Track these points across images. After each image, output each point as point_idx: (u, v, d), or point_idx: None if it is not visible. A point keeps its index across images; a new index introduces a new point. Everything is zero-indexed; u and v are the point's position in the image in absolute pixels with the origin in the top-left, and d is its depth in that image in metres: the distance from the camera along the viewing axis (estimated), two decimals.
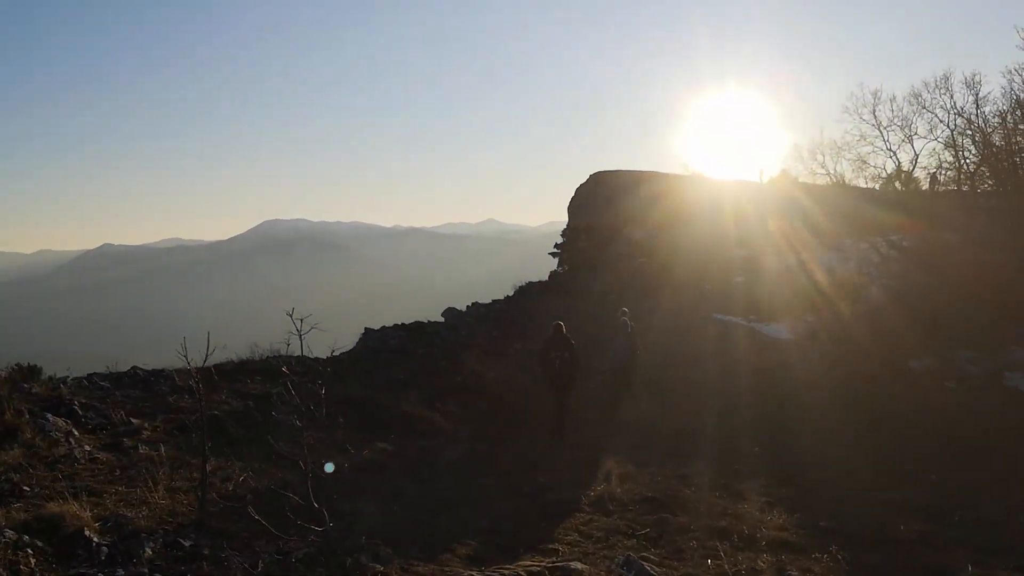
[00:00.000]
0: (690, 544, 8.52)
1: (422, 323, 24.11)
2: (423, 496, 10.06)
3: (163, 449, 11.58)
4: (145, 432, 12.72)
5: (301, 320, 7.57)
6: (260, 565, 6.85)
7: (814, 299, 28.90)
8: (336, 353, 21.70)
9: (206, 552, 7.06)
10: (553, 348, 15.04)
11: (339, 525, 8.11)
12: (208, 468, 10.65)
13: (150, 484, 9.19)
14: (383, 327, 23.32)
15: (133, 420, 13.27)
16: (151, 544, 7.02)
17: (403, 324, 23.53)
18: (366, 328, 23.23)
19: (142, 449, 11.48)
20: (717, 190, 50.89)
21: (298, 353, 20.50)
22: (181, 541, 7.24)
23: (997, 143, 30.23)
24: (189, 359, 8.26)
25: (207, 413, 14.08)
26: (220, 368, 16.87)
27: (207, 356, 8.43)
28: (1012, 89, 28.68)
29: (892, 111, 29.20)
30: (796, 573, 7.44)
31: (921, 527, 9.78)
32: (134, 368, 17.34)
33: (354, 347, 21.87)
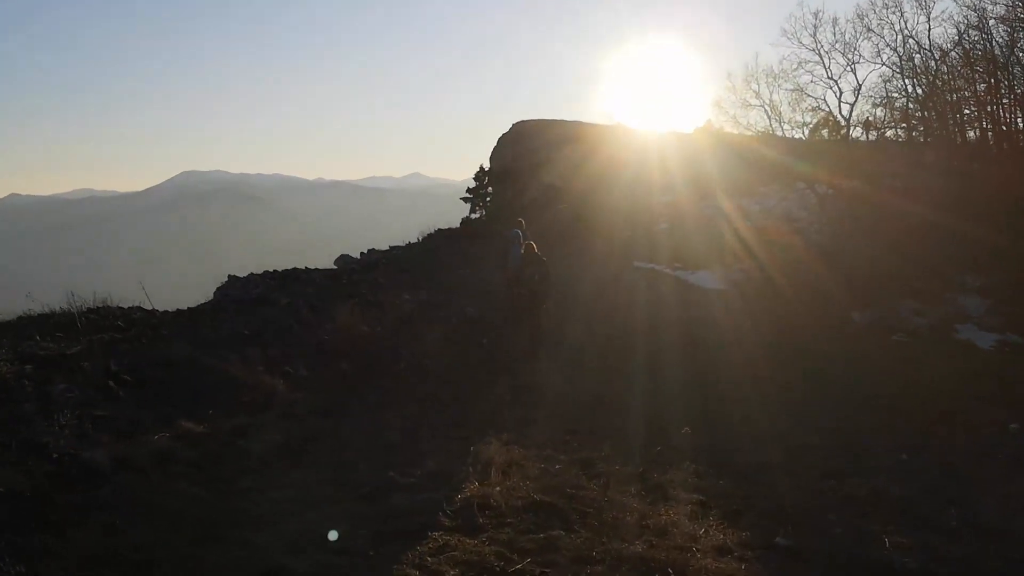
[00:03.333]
0: None
1: (297, 270, 20.69)
2: (206, 511, 6.85)
3: None
4: None
5: None
6: None
7: (743, 247, 26.42)
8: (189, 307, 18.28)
9: None
10: (528, 265, 15.41)
11: None
12: None
13: None
14: (250, 274, 19.87)
15: None
16: None
17: (274, 271, 20.09)
18: (229, 276, 19.72)
19: None
20: (641, 140, 48.91)
21: (139, 305, 16.95)
22: None
23: (939, 83, 27.95)
24: None
25: None
26: (4, 324, 13.26)
27: None
28: (961, 20, 26.27)
29: (835, 34, 26.53)
30: None
31: (913, 541, 6.98)
32: None
33: (210, 299, 18.41)
